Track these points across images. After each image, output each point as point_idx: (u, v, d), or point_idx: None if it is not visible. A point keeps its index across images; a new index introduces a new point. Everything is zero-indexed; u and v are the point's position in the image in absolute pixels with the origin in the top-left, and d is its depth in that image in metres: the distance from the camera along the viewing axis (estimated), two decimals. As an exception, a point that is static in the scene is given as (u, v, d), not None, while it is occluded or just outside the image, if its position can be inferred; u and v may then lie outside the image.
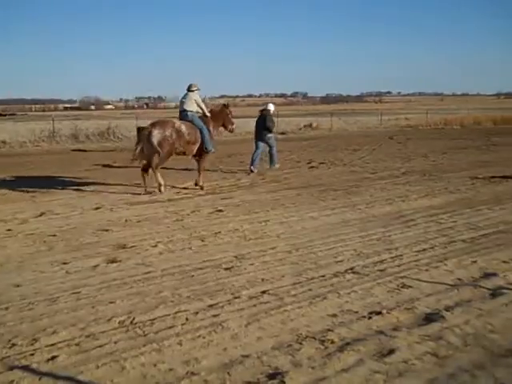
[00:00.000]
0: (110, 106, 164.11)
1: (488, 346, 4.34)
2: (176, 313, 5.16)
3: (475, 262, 6.62)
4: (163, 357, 4.27)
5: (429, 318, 4.92)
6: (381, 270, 6.35)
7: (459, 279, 6.00)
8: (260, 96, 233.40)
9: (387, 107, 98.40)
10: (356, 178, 14.47)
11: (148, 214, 9.93)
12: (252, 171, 15.64)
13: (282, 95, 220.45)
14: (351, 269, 6.43)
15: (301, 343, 4.45)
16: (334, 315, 5.04)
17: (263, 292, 5.69)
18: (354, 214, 9.60)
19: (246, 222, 9.09)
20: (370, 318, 4.97)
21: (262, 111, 16.71)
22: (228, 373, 3.99)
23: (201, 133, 12.81)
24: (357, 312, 5.12)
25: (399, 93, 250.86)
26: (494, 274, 6.12)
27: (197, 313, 5.15)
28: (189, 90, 13.15)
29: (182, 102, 13.23)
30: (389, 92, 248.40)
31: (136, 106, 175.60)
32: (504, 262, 6.61)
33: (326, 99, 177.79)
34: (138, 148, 12.07)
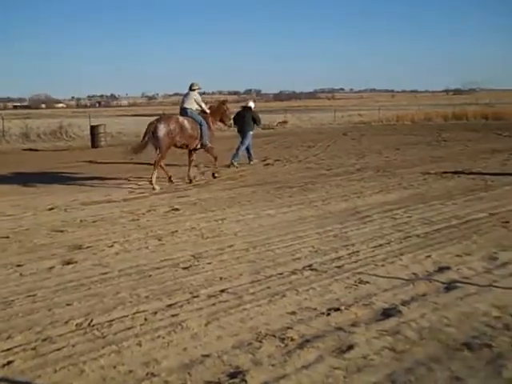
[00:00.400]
0: (61, 105, 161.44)
1: (444, 340, 4.42)
2: (134, 313, 5.12)
3: (430, 256, 6.74)
4: (122, 358, 4.23)
5: (386, 313, 4.98)
6: (338, 267, 6.41)
7: (414, 274, 6.09)
8: (213, 93, 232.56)
9: (340, 104, 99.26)
10: (311, 174, 14.56)
11: (103, 214, 9.82)
12: (251, 162, 17.16)
13: (235, 93, 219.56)
14: (309, 266, 6.47)
15: (261, 341, 4.46)
16: (293, 313, 5.07)
17: (222, 291, 5.69)
18: (311, 211, 9.67)
19: (203, 221, 9.07)
20: (328, 314, 5.01)
21: (243, 107, 17.47)
22: (189, 373, 3.98)
23: (200, 128, 13.70)
24: (315, 309, 5.15)
25: (351, 89, 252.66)
26: (448, 268, 6.24)
27: (156, 313, 5.12)
28: (190, 88, 14.02)
29: (183, 100, 14.13)
30: (341, 89, 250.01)
31: (88, 104, 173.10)
32: (457, 255, 6.74)
33: (279, 96, 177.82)
34: (146, 139, 12.98)
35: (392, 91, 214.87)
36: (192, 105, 13.77)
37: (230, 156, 16.69)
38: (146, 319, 4.97)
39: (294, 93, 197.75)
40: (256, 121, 17.16)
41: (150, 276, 6.24)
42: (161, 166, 13.10)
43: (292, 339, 4.48)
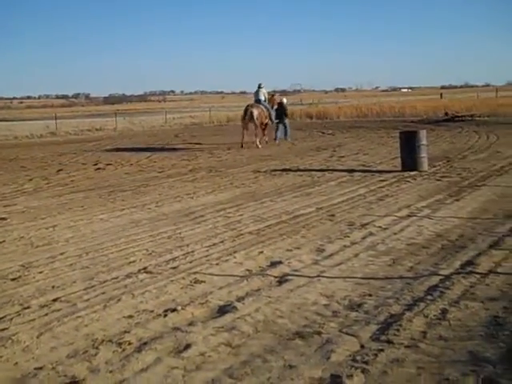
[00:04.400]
0: None
1: (277, 331, 4.59)
2: (-41, 331, 4.82)
3: (262, 252, 6.95)
4: None
5: (222, 310, 5.08)
6: (173, 268, 6.44)
7: (248, 270, 6.26)
8: (39, 97, 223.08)
9: (172, 106, 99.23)
10: (144, 177, 14.50)
11: None
12: (276, 139, 23.12)
13: (64, 96, 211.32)
14: (144, 269, 6.44)
15: (97, 348, 4.38)
16: (130, 316, 5.02)
17: (54, 300, 5.51)
18: (144, 214, 9.62)
19: (33, 229, 8.72)
20: (165, 315, 5.02)
21: (279, 103, 23.68)
22: (21, 388, 3.82)
23: (268, 112, 22.01)
24: (152, 311, 5.14)
25: (182, 91, 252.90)
26: (280, 262, 6.47)
27: (-17, 329, 4.85)
28: (259, 87, 22.31)
29: (256, 94, 22.47)
30: (172, 91, 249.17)
31: None
32: (288, 250, 7.01)
33: (109, 99, 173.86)
34: (247, 119, 21.16)
35: (222, 93, 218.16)
36: (262, 96, 22.19)
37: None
38: (-28, 336, 4.70)
39: (124, 95, 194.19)
40: (286, 113, 23.74)
41: (-24, 290, 5.91)
42: (244, 135, 21.40)
43: (129, 343, 4.44)
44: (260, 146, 20.99)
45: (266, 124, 22.26)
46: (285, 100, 24.91)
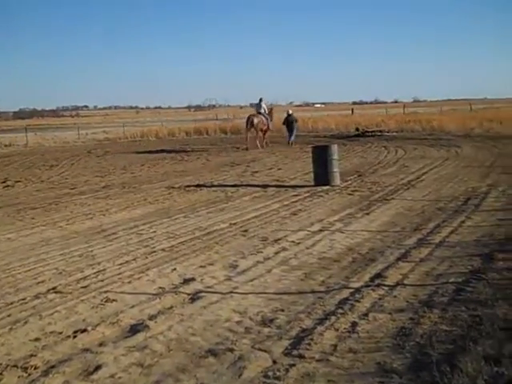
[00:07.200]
0: None
1: (190, 349, 4.56)
2: None
3: (175, 269, 6.91)
4: None
5: (133, 330, 5.01)
6: (84, 287, 6.30)
7: (161, 288, 6.20)
8: None
9: (85, 121, 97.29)
10: (55, 194, 14.14)
11: None
12: (289, 143, 27.31)
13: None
14: (53, 288, 6.28)
15: (1, 374, 4.22)
16: (37, 339, 4.88)
17: (-43, 324, 5.28)
18: (55, 232, 9.39)
19: None
20: (74, 336, 4.91)
21: (288, 114, 28.13)
22: None
23: (267, 121, 26.28)
24: (61, 332, 5.01)
25: (96, 106, 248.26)
26: (193, 279, 6.45)
27: None
28: (260, 101, 27.34)
29: (258, 106, 27.32)
30: (86, 106, 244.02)
31: None
32: (201, 266, 6.99)
33: (20, 114, 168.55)
34: (248, 126, 25.84)
35: (136, 108, 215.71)
36: (261, 109, 26.82)
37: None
38: None
39: (35, 110, 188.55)
40: (295, 121, 28.01)
41: None
42: (247, 140, 25.89)
43: (36, 367, 4.31)
44: (260, 148, 25.84)
45: (266, 130, 26.76)
46: (290, 111, 29.44)
